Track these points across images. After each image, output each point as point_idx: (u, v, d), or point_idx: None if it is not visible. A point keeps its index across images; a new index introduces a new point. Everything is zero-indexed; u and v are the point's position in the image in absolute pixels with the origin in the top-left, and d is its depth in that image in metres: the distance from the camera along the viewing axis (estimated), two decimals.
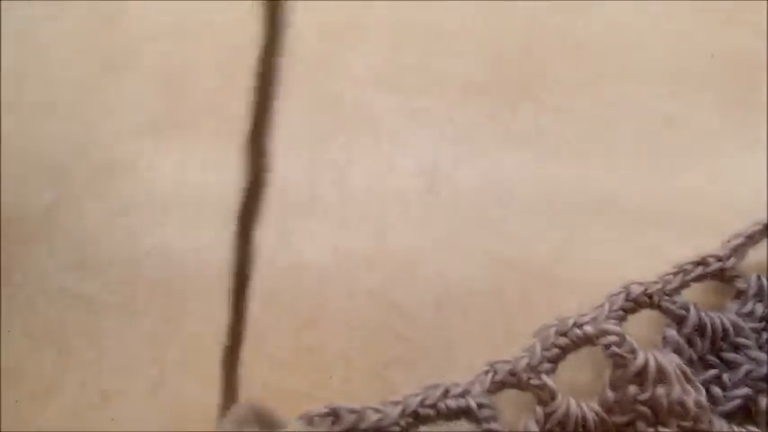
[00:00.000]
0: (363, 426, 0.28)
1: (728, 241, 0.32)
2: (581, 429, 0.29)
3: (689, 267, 0.32)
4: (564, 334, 0.30)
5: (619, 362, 0.29)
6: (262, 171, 0.19)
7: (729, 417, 0.29)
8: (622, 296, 0.31)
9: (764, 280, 0.32)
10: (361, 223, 0.36)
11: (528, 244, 0.35)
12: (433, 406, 0.29)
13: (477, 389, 0.29)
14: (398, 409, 0.29)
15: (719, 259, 0.32)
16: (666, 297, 0.31)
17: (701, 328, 0.30)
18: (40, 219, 0.36)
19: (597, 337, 0.30)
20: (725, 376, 0.30)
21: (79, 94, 0.40)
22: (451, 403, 0.29)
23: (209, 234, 0.35)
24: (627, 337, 0.30)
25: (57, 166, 0.38)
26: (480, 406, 0.29)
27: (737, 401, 0.30)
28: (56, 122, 0.39)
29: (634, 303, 0.31)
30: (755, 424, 0.29)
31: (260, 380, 0.32)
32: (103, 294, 0.34)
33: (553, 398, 0.29)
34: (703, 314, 0.31)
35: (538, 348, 0.30)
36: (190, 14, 0.43)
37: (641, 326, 0.31)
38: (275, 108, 0.17)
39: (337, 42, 0.42)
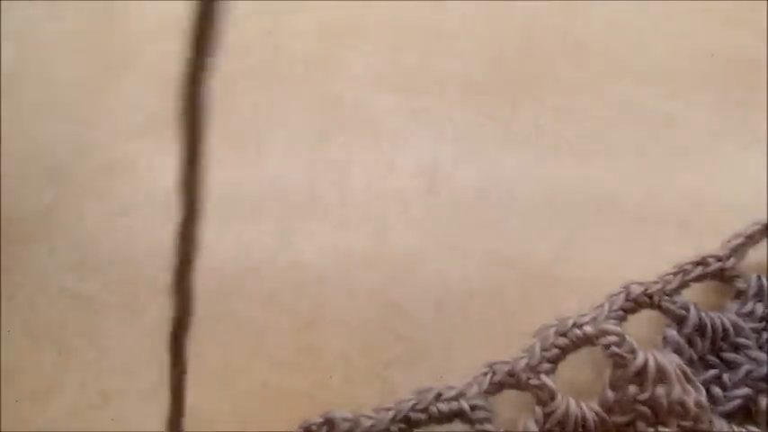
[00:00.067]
0: None
1: (728, 241, 0.32)
2: (581, 429, 0.29)
3: (689, 267, 0.32)
4: (564, 334, 0.30)
5: (619, 362, 0.29)
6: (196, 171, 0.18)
7: (729, 417, 0.29)
8: (622, 296, 0.31)
9: (764, 280, 0.32)
10: (361, 223, 0.36)
11: (528, 244, 0.35)
12: (425, 410, 0.29)
13: (473, 390, 0.29)
14: (390, 415, 0.29)
15: (719, 259, 0.32)
16: (666, 297, 0.31)
17: (701, 328, 0.30)
18: (40, 219, 0.36)
19: (597, 338, 0.30)
20: (725, 376, 0.30)
21: (79, 94, 0.40)
22: (444, 407, 0.29)
23: (209, 234, 0.35)
24: (627, 337, 0.30)
25: (57, 166, 0.38)
26: (474, 408, 0.29)
27: (738, 401, 0.30)
28: (56, 122, 0.39)
29: (634, 303, 0.31)
30: (756, 424, 0.29)
31: (260, 380, 0.32)
32: (103, 294, 0.34)
33: (553, 398, 0.29)
34: (703, 314, 0.31)
35: (537, 348, 0.30)
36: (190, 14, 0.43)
37: (641, 326, 0.31)
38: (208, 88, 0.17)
39: (337, 42, 0.42)
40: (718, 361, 0.31)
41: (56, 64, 0.42)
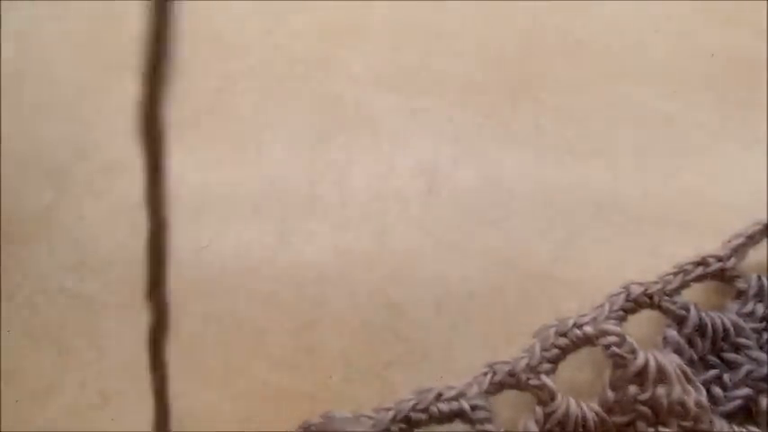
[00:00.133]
0: None
1: (729, 241, 0.32)
2: (581, 429, 0.29)
3: (689, 267, 0.32)
4: (564, 334, 0.30)
5: (619, 362, 0.29)
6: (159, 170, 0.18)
7: (730, 417, 0.29)
8: (622, 296, 0.31)
9: (765, 280, 0.32)
10: (361, 223, 0.36)
11: (528, 244, 0.35)
12: (426, 410, 0.29)
13: (473, 390, 0.29)
14: (391, 415, 0.29)
15: (720, 259, 0.32)
16: (667, 297, 0.31)
17: (701, 329, 0.30)
18: (40, 219, 0.36)
19: (597, 338, 0.30)
20: (725, 376, 0.30)
21: (79, 94, 0.40)
22: (444, 407, 0.29)
23: (210, 234, 0.35)
24: (627, 337, 0.30)
25: (57, 166, 0.38)
26: (474, 408, 0.29)
27: (738, 402, 0.30)
28: (56, 122, 0.39)
29: (634, 303, 0.31)
30: (756, 424, 0.29)
31: (260, 380, 0.32)
32: (103, 294, 0.34)
33: (553, 398, 0.29)
34: (704, 314, 0.31)
35: (537, 349, 0.30)
36: (190, 14, 0.43)
37: (641, 326, 0.31)
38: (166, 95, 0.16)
39: (337, 42, 0.42)
40: (718, 361, 0.31)
41: (56, 64, 0.42)
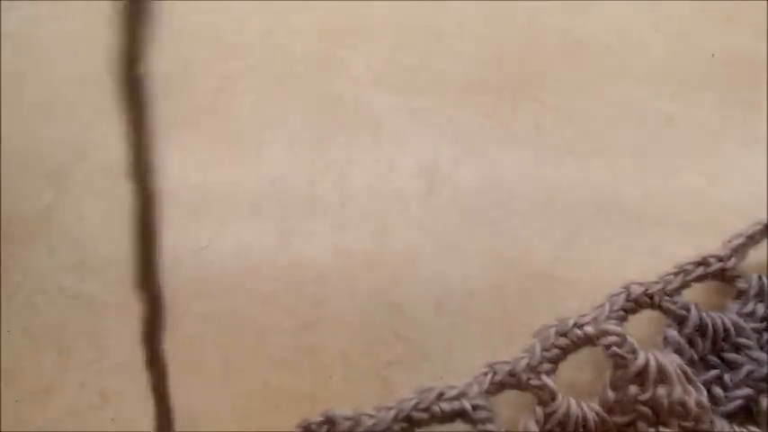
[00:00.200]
0: (359, 431, 0.28)
1: (729, 241, 0.32)
2: (581, 430, 0.29)
3: (690, 267, 0.32)
4: (564, 334, 0.30)
5: (619, 362, 0.29)
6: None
7: (731, 417, 0.29)
8: (623, 296, 0.31)
9: (765, 280, 0.32)
10: (361, 223, 0.36)
11: (528, 244, 0.35)
12: (427, 409, 0.29)
13: (474, 390, 0.29)
14: (392, 414, 0.29)
15: (720, 259, 0.32)
16: (667, 297, 0.31)
17: (701, 329, 0.30)
18: (40, 219, 0.36)
19: (598, 338, 0.30)
20: (726, 377, 0.30)
21: (79, 94, 0.40)
22: (446, 406, 0.29)
23: (210, 234, 0.35)
24: (627, 337, 0.30)
25: (57, 166, 0.38)
26: (476, 408, 0.29)
27: (739, 402, 0.30)
28: (56, 122, 0.39)
29: (635, 303, 0.31)
30: (756, 424, 0.29)
31: (260, 380, 0.32)
32: (103, 294, 0.34)
33: (553, 398, 0.29)
34: (704, 314, 0.31)
35: (538, 349, 0.30)
36: (190, 14, 0.43)
37: (642, 326, 0.31)
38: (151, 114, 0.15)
39: (337, 42, 0.42)
40: (719, 361, 0.30)
41: (56, 64, 0.42)
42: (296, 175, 0.37)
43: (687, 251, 0.32)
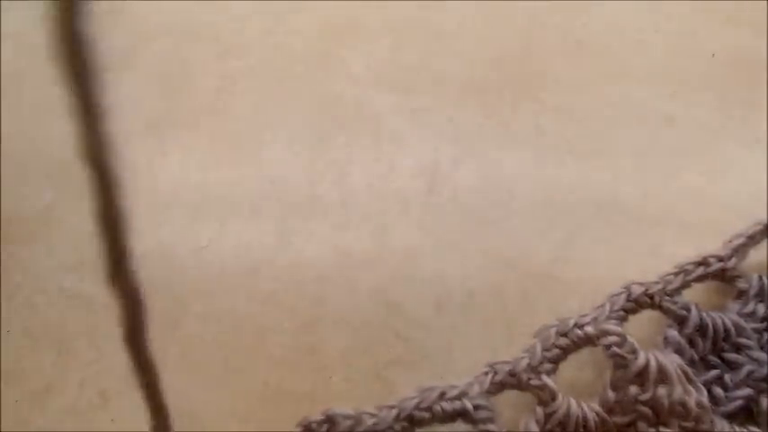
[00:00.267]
0: (359, 430, 0.28)
1: (730, 241, 0.32)
2: (582, 430, 0.29)
3: (690, 267, 0.32)
4: (564, 334, 0.30)
5: (620, 362, 0.29)
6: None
7: (731, 417, 0.29)
8: (623, 296, 0.31)
9: (766, 280, 0.32)
10: (361, 223, 0.36)
11: (528, 244, 0.35)
12: (429, 409, 0.29)
13: (475, 390, 0.29)
14: (394, 413, 0.29)
15: (721, 259, 0.32)
16: (667, 297, 0.31)
17: (702, 329, 0.30)
18: (39, 219, 0.36)
19: (598, 338, 0.30)
20: (726, 377, 0.30)
21: None
22: (447, 406, 0.29)
23: (209, 234, 0.35)
24: (628, 337, 0.30)
25: (57, 166, 0.38)
26: (477, 407, 0.29)
27: (739, 402, 0.30)
28: (56, 122, 0.39)
29: (635, 304, 0.31)
30: (757, 424, 0.29)
31: (260, 380, 0.32)
32: (103, 294, 0.34)
33: (554, 398, 0.29)
34: (705, 314, 0.31)
35: (538, 349, 0.30)
36: (190, 14, 0.43)
37: (642, 326, 0.31)
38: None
39: (337, 42, 0.42)
40: (719, 361, 0.30)
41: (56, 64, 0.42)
42: (296, 175, 0.37)
43: (687, 251, 0.32)
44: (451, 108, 0.39)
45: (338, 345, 0.33)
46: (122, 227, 0.16)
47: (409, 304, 0.34)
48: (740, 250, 0.32)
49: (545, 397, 0.29)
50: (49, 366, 0.32)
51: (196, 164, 0.38)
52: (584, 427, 0.29)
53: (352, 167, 0.37)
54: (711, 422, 0.29)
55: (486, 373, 0.30)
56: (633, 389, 0.29)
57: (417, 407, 0.29)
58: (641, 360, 0.29)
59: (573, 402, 0.29)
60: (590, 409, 0.29)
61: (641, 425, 0.29)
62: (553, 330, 0.30)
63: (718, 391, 0.30)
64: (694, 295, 0.32)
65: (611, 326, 0.30)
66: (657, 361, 0.29)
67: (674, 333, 0.30)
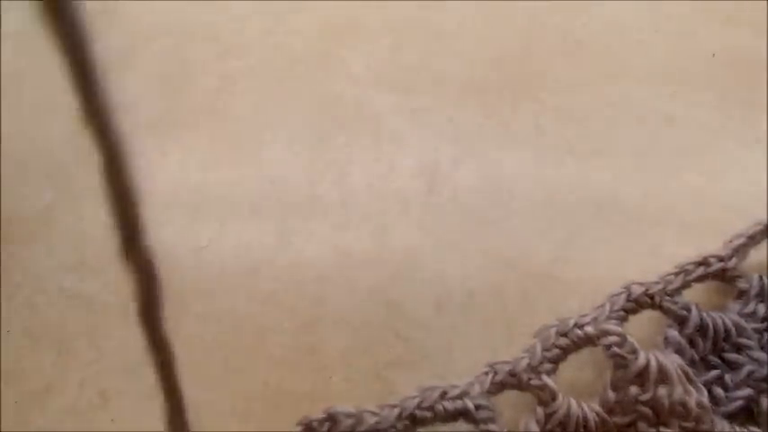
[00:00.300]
0: (361, 429, 0.28)
1: (730, 241, 0.32)
2: (582, 430, 0.29)
3: (690, 267, 0.32)
4: (565, 334, 0.30)
5: (620, 362, 0.29)
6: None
7: (731, 417, 0.29)
8: (623, 296, 0.31)
9: (766, 280, 0.32)
10: (361, 223, 0.36)
11: (528, 244, 0.35)
12: (431, 408, 0.29)
13: (476, 390, 0.29)
14: (396, 412, 0.29)
15: (721, 259, 0.32)
16: (668, 297, 0.31)
17: (702, 329, 0.30)
18: (39, 219, 0.36)
19: (598, 338, 0.30)
20: (727, 377, 0.30)
21: None
22: (449, 405, 0.29)
23: (209, 234, 0.35)
24: (628, 337, 0.30)
25: (57, 166, 0.38)
26: (478, 407, 0.29)
27: (739, 402, 0.30)
28: (56, 122, 0.39)
29: (635, 304, 0.31)
30: (757, 424, 0.29)
31: (260, 380, 0.32)
32: (103, 294, 0.34)
33: (554, 398, 0.29)
34: (705, 314, 0.31)
35: (538, 349, 0.30)
36: (190, 14, 0.43)
37: (642, 326, 0.31)
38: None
39: (337, 42, 0.42)
40: (719, 361, 0.30)
41: (56, 64, 0.42)
42: (296, 175, 0.37)
43: (687, 251, 0.32)
44: (451, 108, 0.39)
45: (338, 345, 0.33)
46: (134, 198, 0.16)
47: (409, 304, 0.34)
48: (740, 250, 0.32)
49: (545, 397, 0.29)
50: (49, 366, 0.32)
51: (196, 164, 0.38)
52: (585, 427, 0.29)
53: (352, 167, 0.37)
54: (712, 422, 0.29)
55: (487, 373, 0.30)
56: (633, 389, 0.29)
57: (419, 406, 0.29)
58: (641, 360, 0.29)
59: (573, 402, 0.29)
60: (590, 409, 0.29)
61: (641, 425, 0.29)
62: (553, 330, 0.30)
63: (719, 391, 0.30)
64: (694, 295, 0.32)
65: (612, 326, 0.30)
66: (658, 361, 0.29)
67: (674, 333, 0.30)
